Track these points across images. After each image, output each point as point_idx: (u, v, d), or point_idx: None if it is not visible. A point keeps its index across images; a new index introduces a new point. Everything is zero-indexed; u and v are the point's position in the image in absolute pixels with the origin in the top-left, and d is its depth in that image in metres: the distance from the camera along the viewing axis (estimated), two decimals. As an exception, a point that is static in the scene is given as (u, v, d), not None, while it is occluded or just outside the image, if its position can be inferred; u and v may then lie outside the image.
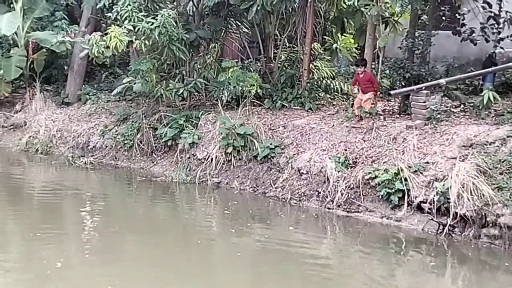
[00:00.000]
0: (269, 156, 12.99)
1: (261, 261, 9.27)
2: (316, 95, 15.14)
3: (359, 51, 16.05)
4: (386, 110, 14.19)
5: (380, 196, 11.11)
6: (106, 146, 16.16)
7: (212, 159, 13.68)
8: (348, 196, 11.44)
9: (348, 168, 11.77)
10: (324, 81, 15.97)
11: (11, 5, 19.62)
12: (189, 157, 14.29)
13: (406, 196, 10.84)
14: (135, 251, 9.60)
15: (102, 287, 8.04)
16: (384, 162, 11.51)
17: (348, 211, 11.34)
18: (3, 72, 18.67)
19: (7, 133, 18.90)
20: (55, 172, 15.47)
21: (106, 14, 16.27)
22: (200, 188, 13.37)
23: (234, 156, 13.49)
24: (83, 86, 19.48)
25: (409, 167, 11.10)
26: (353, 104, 13.64)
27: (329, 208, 11.51)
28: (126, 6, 14.38)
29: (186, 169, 14.01)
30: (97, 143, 16.37)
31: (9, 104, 19.82)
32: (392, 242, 10.31)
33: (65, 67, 20.17)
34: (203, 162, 13.82)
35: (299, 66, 15.61)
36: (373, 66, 13.92)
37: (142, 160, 15.43)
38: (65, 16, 20.45)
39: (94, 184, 14.65)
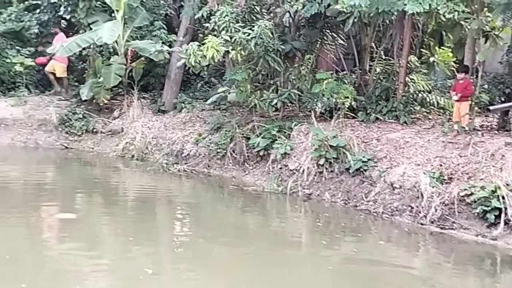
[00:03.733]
0: (361, 169, 12.83)
1: (352, 276, 9.12)
2: (412, 108, 14.89)
3: (457, 65, 15.70)
4: (484, 126, 13.80)
5: (476, 214, 10.78)
6: (200, 154, 16.34)
7: (303, 170, 13.62)
8: (442, 212, 11.16)
9: (443, 184, 11.49)
10: (420, 95, 15.67)
11: (112, 14, 20.18)
12: (280, 168, 14.28)
13: (503, 215, 10.47)
14: (225, 259, 9.62)
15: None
16: (480, 179, 11.17)
17: (441, 228, 11.05)
18: (103, 80, 19.20)
19: (105, 138, 19.40)
20: (150, 178, 15.76)
21: (203, 24, 16.53)
22: (291, 199, 13.33)
23: (326, 168, 13.40)
24: (179, 94, 19.81)
25: (507, 184, 10.73)
26: (450, 119, 13.34)
27: (422, 224, 11.26)
28: (224, 17, 14.58)
29: (278, 179, 14.00)
30: (191, 151, 16.57)
31: (108, 110, 20.34)
32: (487, 261, 10.00)
33: (162, 76, 20.56)
34: (295, 173, 13.78)
35: (394, 79, 15.39)
36: (471, 81, 13.56)
37: (234, 169, 15.53)
38: (164, 26, 20.89)
39: (187, 191, 14.85)
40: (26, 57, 21.76)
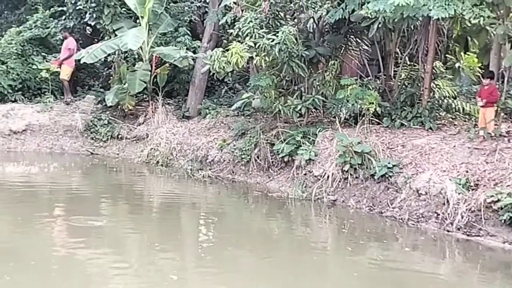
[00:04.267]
0: (386, 175, 12.76)
1: (377, 282, 9.07)
2: (437, 114, 14.78)
3: (483, 70, 15.57)
4: (511, 132, 13.67)
5: (503, 220, 10.65)
6: (224, 160, 16.38)
7: (328, 177, 13.59)
8: (468, 219, 11.06)
9: (469, 190, 11.39)
10: (445, 101, 15.56)
11: (137, 21, 20.32)
12: (305, 174, 14.26)
13: (530, 221, 10.39)
14: (250, 265, 9.61)
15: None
16: (507, 186, 11.03)
17: (468, 235, 10.95)
18: (128, 86, 19.34)
19: (130, 144, 19.54)
20: (174, 184, 15.84)
21: (227, 31, 16.58)
22: (316, 205, 13.31)
23: (351, 174, 13.35)
24: (203, 100, 19.89)
25: (535, 191, 10.64)
26: (475, 125, 13.25)
27: (448, 231, 11.17)
28: (248, 23, 14.60)
29: (302, 185, 13.98)
30: (215, 157, 16.62)
31: (133, 116, 20.48)
32: (514, 268, 9.92)
33: (187, 82, 20.64)
34: (319, 179, 13.76)
35: (419, 84, 15.30)
36: (497, 86, 13.45)
37: (258, 175, 15.54)
38: (188, 32, 21.01)
39: (211, 197, 14.89)
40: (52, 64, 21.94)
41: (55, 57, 22.45)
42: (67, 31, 21.72)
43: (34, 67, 21.93)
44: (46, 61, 22.18)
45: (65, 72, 21.12)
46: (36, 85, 22.23)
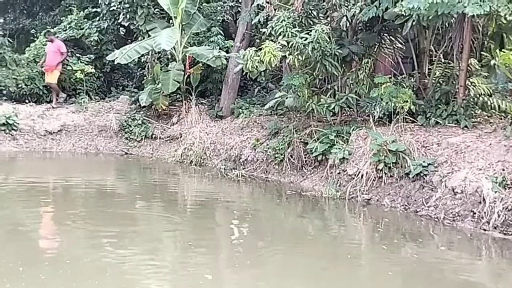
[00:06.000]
0: (421, 174, 12.65)
1: (412, 281, 8.99)
2: (472, 112, 14.61)
3: (519, 68, 15.40)
4: (548, 129, 13.50)
5: (541, 220, 10.55)
6: (257, 160, 16.40)
7: (362, 175, 13.52)
8: (505, 217, 10.90)
9: (506, 189, 11.22)
10: (480, 98, 15.38)
11: (170, 21, 20.43)
12: (339, 173, 14.20)
13: None
14: (285, 264, 9.57)
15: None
16: (545, 184, 10.93)
17: (505, 234, 10.79)
18: (161, 86, 19.46)
19: (164, 144, 19.68)
20: (208, 183, 15.88)
21: (260, 30, 16.58)
22: (350, 204, 13.24)
23: (385, 173, 13.26)
24: (236, 100, 19.95)
25: None
26: (512, 122, 13.10)
27: (484, 230, 11.03)
28: (281, 22, 14.59)
29: (336, 184, 13.93)
30: (248, 156, 16.65)
31: (166, 116, 20.62)
32: (553, 268, 9.76)
33: (220, 82, 20.71)
34: (353, 178, 13.69)
35: (454, 82, 15.15)
36: (534, 84, 13.29)
37: (292, 174, 15.53)
38: (221, 32, 21.09)
39: (245, 196, 14.89)
40: (86, 64, 22.18)
41: (89, 58, 22.68)
42: (52, 34, 21.82)
43: (69, 68, 22.18)
44: (81, 62, 22.41)
45: (55, 77, 21.25)
46: (71, 85, 22.51)
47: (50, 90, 21.98)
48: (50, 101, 21.92)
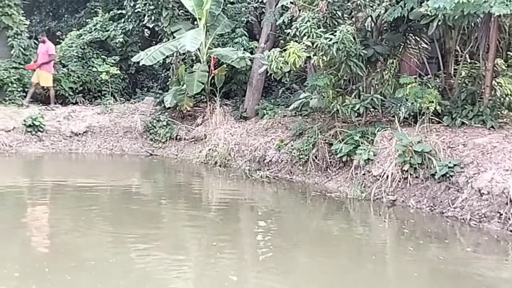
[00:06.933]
0: (447, 175, 12.54)
1: (438, 283, 8.91)
2: (499, 112, 14.45)
3: (546, 68, 15.23)
4: None
5: None
6: (282, 161, 16.38)
7: (387, 176, 13.44)
8: (533, 219, 10.82)
9: (533, 190, 11.14)
10: (507, 98, 15.21)
11: (195, 22, 20.49)
12: (364, 174, 14.14)
13: None
14: (309, 266, 9.56)
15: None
16: None
17: (532, 235, 10.73)
18: (186, 87, 19.52)
19: (188, 145, 19.74)
20: (232, 184, 15.89)
21: (285, 31, 16.57)
22: (375, 205, 13.18)
23: (410, 174, 13.17)
24: (261, 101, 19.94)
25: None
26: (539, 123, 12.95)
27: (511, 231, 10.92)
28: (305, 23, 14.56)
29: (361, 185, 13.88)
30: (273, 157, 16.64)
31: (191, 117, 20.68)
32: None
33: (244, 83, 20.72)
34: (378, 179, 13.62)
35: (480, 82, 15.00)
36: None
37: (316, 175, 15.50)
38: (245, 33, 21.11)
39: (269, 197, 14.89)
40: (112, 66, 22.33)
41: (114, 60, 22.84)
42: (44, 35, 21.86)
43: (94, 69, 22.38)
44: (106, 63, 22.56)
45: (48, 80, 21.24)
46: (96, 87, 22.69)
47: (76, 91, 22.17)
48: (76, 103, 22.11)
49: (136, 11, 21.98)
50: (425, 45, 16.53)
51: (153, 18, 21.27)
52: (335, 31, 14.33)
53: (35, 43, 22.77)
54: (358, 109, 15.12)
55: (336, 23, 15.05)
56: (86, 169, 18.49)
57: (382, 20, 15.49)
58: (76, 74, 22.46)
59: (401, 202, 13.06)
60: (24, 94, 21.46)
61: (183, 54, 21.08)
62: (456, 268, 9.47)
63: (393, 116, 14.85)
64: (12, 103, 21.01)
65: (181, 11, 21.20)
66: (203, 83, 19.65)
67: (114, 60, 23.03)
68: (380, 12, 14.84)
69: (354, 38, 14.58)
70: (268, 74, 16.43)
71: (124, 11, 23.33)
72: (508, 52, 16.14)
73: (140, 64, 20.68)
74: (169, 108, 20.61)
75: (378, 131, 14.64)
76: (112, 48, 23.82)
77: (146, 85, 24.89)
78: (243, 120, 19.68)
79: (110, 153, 20.16)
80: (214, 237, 10.90)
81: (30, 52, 22.19)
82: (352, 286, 8.69)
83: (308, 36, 14.54)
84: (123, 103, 22.28)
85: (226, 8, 21.51)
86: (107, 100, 21.79)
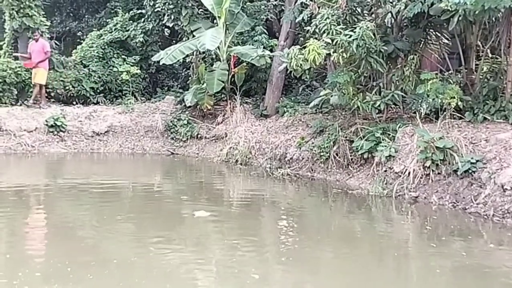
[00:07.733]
0: (470, 171, 12.47)
1: (461, 279, 8.86)
2: (521, 108, 14.38)
3: None
4: None
5: None
6: (303, 158, 16.38)
7: (409, 173, 13.39)
8: (557, 215, 10.73)
9: (557, 185, 11.05)
10: (529, 93, 15.11)
11: (214, 21, 20.53)
12: (385, 170, 14.09)
13: None
14: (332, 263, 9.55)
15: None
16: None
17: (556, 231, 10.63)
18: (206, 86, 19.57)
19: (209, 144, 19.79)
20: (254, 182, 15.91)
21: (304, 28, 16.54)
22: (397, 202, 13.14)
23: (432, 170, 13.11)
24: (281, 98, 19.96)
25: None
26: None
27: (535, 227, 10.86)
28: (325, 20, 14.55)
29: (383, 182, 13.83)
30: (294, 154, 16.64)
31: (211, 116, 20.73)
32: None
33: (264, 81, 20.72)
34: (400, 176, 13.57)
35: (502, 77, 14.88)
36: None
37: (338, 173, 15.47)
38: (265, 31, 21.12)
39: (291, 195, 14.88)
40: (132, 66, 22.43)
41: (135, 60, 22.94)
42: (39, 33, 21.83)
43: (115, 69, 22.51)
44: (126, 63, 22.65)
45: (42, 76, 21.23)
46: (117, 87, 22.81)
47: (97, 91, 22.30)
48: (97, 103, 22.24)
49: (155, 10, 22.08)
50: (445, 41, 16.45)
51: (172, 17, 21.35)
52: (355, 28, 14.30)
53: (56, 44, 22.92)
54: (379, 105, 15.06)
55: (355, 19, 15.03)
56: (108, 168, 18.60)
57: (402, 16, 15.42)
58: (97, 74, 22.61)
59: (423, 198, 13.01)
60: (46, 95, 21.61)
61: (203, 52, 21.13)
62: (479, 264, 9.40)
63: (414, 112, 14.77)
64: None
65: (200, 9, 21.26)
66: (223, 82, 19.69)
67: (135, 59, 23.15)
68: (400, 8, 14.78)
69: (374, 34, 14.53)
70: (288, 71, 16.42)
71: (144, 11, 23.44)
72: (530, 47, 16.01)
73: (160, 64, 20.77)
74: (189, 107, 20.69)
75: (399, 127, 14.57)
76: (132, 47, 23.94)
77: (167, 84, 25.01)
78: (263, 118, 19.69)
79: (131, 152, 20.27)
80: (235, 235, 10.91)
81: (51, 53, 22.31)
82: (376, 282, 8.65)
83: (328, 33, 14.52)
84: (143, 102, 22.40)
85: (245, 6, 21.53)
86: (128, 99, 21.91)
